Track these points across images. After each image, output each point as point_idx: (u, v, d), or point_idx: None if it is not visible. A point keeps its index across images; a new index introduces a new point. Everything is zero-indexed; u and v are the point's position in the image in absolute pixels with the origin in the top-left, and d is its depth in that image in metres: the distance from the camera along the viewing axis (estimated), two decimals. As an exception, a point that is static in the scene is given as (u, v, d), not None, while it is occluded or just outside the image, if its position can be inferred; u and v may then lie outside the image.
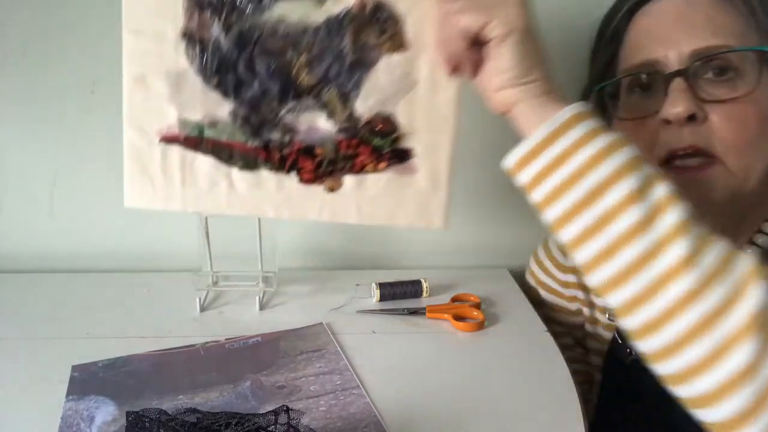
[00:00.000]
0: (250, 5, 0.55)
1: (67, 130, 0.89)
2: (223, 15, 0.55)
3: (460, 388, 0.65)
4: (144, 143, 0.57)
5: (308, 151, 0.57)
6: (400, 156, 0.57)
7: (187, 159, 0.58)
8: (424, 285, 0.85)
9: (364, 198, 0.58)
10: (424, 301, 0.84)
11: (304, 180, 0.58)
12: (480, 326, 0.76)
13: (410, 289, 0.85)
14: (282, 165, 0.58)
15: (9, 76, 0.86)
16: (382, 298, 0.83)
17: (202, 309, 0.80)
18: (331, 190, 0.58)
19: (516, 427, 0.59)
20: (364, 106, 0.56)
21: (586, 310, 0.77)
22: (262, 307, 0.81)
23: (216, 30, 0.55)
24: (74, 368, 0.66)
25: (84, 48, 0.85)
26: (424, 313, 0.80)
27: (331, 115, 0.56)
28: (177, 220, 0.92)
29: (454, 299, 0.84)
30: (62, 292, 0.85)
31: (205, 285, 0.83)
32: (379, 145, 0.56)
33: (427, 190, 0.57)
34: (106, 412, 0.59)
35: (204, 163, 0.58)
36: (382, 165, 0.57)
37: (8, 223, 0.93)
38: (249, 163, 0.58)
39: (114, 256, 0.95)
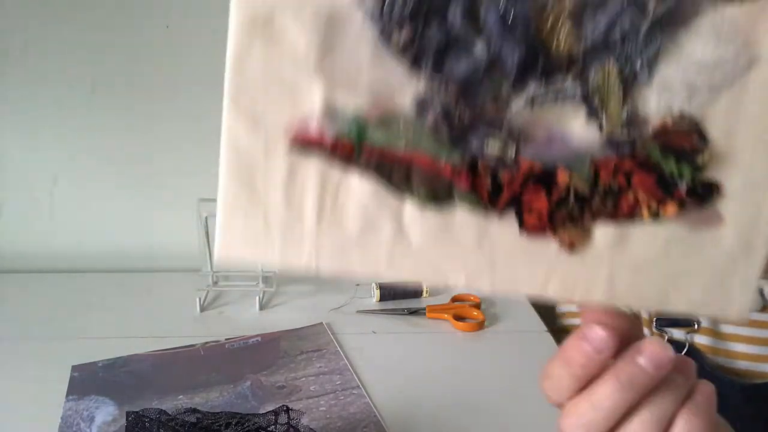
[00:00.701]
0: None
1: (67, 130, 0.89)
2: None
3: (460, 388, 0.65)
4: (258, 147, 0.31)
5: (544, 177, 0.32)
6: (701, 194, 0.32)
7: (332, 181, 0.32)
8: (424, 285, 0.85)
9: (624, 263, 0.33)
10: (424, 301, 0.84)
11: (527, 228, 0.33)
12: (480, 326, 0.77)
13: (410, 289, 0.85)
14: (494, 200, 0.32)
15: (9, 77, 0.86)
16: (382, 298, 0.83)
17: (202, 309, 0.80)
18: (571, 247, 0.33)
19: (516, 427, 0.59)
20: (657, 99, 0.31)
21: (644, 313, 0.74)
22: (262, 307, 0.81)
23: None
24: (74, 368, 0.66)
25: (84, 48, 0.85)
26: (424, 313, 0.80)
27: (594, 112, 0.31)
28: (177, 220, 0.92)
29: (454, 299, 0.83)
30: (62, 292, 0.85)
31: (205, 285, 0.83)
32: (672, 173, 0.32)
33: (733, 256, 0.33)
34: (106, 412, 0.59)
35: (360, 189, 0.32)
36: (670, 209, 0.32)
37: (8, 223, 0.93)
38: (436, 192, 0.33)
39: (114, 256, 0.95)
